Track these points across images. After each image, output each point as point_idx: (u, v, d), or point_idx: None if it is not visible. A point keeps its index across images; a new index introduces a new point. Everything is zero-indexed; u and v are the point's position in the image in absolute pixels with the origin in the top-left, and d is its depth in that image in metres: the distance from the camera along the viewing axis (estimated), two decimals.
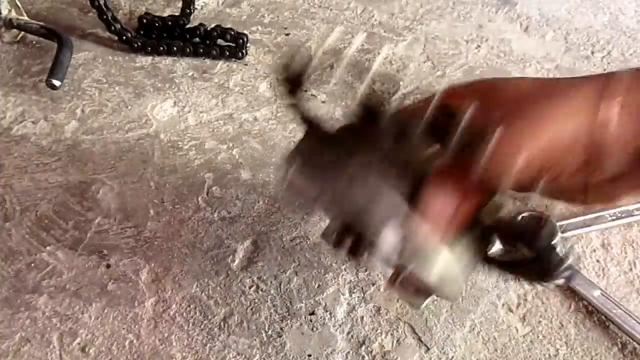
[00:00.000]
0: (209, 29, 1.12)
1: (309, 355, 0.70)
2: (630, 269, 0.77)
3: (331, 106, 0.98)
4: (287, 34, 1.13)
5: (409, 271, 0.47)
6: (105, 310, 0.74)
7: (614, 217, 0.80)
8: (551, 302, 0.73)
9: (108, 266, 0.79)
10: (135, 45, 1.10)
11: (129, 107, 1.01)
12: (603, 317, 0.70)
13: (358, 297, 0.74)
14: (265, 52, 1.11)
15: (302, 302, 0.74)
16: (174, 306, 0.74)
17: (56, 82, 1.00)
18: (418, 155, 0.46)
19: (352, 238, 0.53)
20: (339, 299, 0.74)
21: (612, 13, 1.18)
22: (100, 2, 1.09)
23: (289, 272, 0.77)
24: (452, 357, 0.69)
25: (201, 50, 1.09)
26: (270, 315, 0.73)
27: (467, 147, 0.43)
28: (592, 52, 1.09)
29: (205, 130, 0.97)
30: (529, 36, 1.16)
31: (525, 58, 1.11)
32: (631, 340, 0.68)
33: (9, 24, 1.13)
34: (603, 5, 1.20)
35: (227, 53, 1.09)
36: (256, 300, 0.74)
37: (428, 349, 0.69)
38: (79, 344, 0.71)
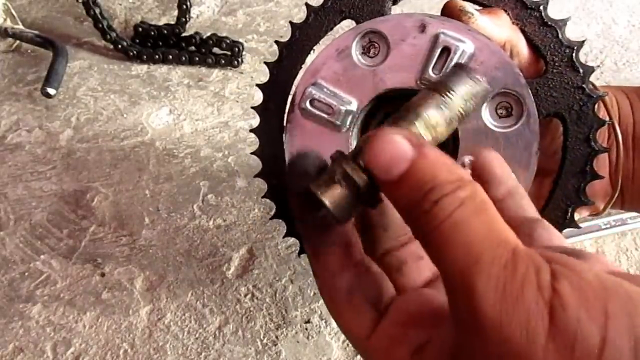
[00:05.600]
0: (204, 37, 1.12)
1: None
2: None
3: None
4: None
5: None
6: (100, 319, 0.74)
7: (607, 226, 0.80)
8: None
9: (102, 275, 0.78)
10: (131, 53, 1.11)
11: (125, 115, 1.01)
12: None
13: None
14: (261, 61, 1.12)
15: (298, 310, 0.74)
16: (168, 315, 0.74)
17: (51, 91, 1.00)
18: None
19: None
20: None
21: (605, 23, 1.19)
22: (96, 11, 1.10)
23: (285, 280, 0.77)
24: None
25: (197, 59, 1.10)
26: (266, 324, 0.73)
27: None
28: (585, 62, 1.10)
29: (201, 138, 0.97)
30: None
31: None
32: None
33: (4, 32, 1.13)
34: (596, 15, 1.21)
35: (223, 61, 1.09)
36: (251, 309, 0.74)
37: None
38: (72, 353, 0.71)
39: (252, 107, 0.57)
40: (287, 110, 0.51)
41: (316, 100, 0.49)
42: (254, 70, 1.10)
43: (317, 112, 0.49)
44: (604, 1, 1.23)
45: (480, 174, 0.35)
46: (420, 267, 0.35)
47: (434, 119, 0.31)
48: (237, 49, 1.09)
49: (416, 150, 0.27)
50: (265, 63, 0.55)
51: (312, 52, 0.54)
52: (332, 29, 0.54)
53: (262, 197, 0.59)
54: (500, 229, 0.26)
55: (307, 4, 0.54)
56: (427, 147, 0.28)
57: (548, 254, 0.26)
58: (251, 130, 0.57)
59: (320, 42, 0.54)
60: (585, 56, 1.09)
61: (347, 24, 0.53)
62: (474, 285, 0.24)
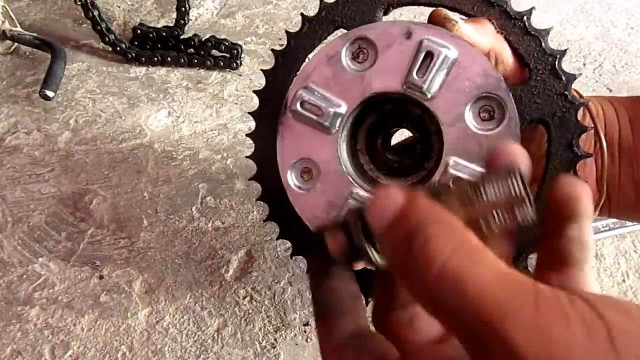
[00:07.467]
0: (203, 39, 1.12)
1: None
2: (624, 280, 0.77)
3: None
4: (281, 45, 1.14)
5: None
6: (98, 322, 0.74)
7: (606, 228, 0.80)
8: None
9: (101, 277, 0.78)
10: (130, 55, 1.11)
11: (123, 118, 1.01)
12: None
13: None
14: (260, 63, 1.12)
15: (297, 313, 0.74)
16: (167, 317, 0.74)
17: (49, 93, 1.00)
18: None
19: None
20: None
21: (604, 25, 1.20)
22: (95, 13, 1.10)
23: (283, 283, 0.77)
24: None
25: (195, 61, 1.10)
26: (264, 326, 0.73)
27: None
28: (584, 64, 1.10)
29: (200, 140, 0.97)
30: None
31: None
32: None
33: (3, 35, 1.13)
34: (594, 18, 1.21)
35: (222, 63, 1.09)
36: (250, 311, 0.74)
37: None
38: (71, 356, 0.71)
39: (249, 113, 0.58)
40: (280, 113, 0.53)
41: (306, 102, 0.51)
42: (253, 72, 1.10)
43: (307, 114, 0.51)
44: (602, 4, 1.23)
45: (562, 207, 0.31)
46: (432, 320, 0.31)
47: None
48: (235, 51, 1.09)
49: (407, 199, 0.27)
50: (262, 70, 0.56)
51: (307, 59, 0.55)
52: (326, 37, 0.55)
53: (257, 200, 0.60)
54: (508, 272, 0.24)
55: (302, 14, 0.55)
56: (419, 197, 0.27)
57: (565, 291, 0.24)
58: (247, 135, 0.58)
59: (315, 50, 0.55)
60: (584, 58, 1.09)
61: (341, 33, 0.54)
62: (511, 338, 0.22)
